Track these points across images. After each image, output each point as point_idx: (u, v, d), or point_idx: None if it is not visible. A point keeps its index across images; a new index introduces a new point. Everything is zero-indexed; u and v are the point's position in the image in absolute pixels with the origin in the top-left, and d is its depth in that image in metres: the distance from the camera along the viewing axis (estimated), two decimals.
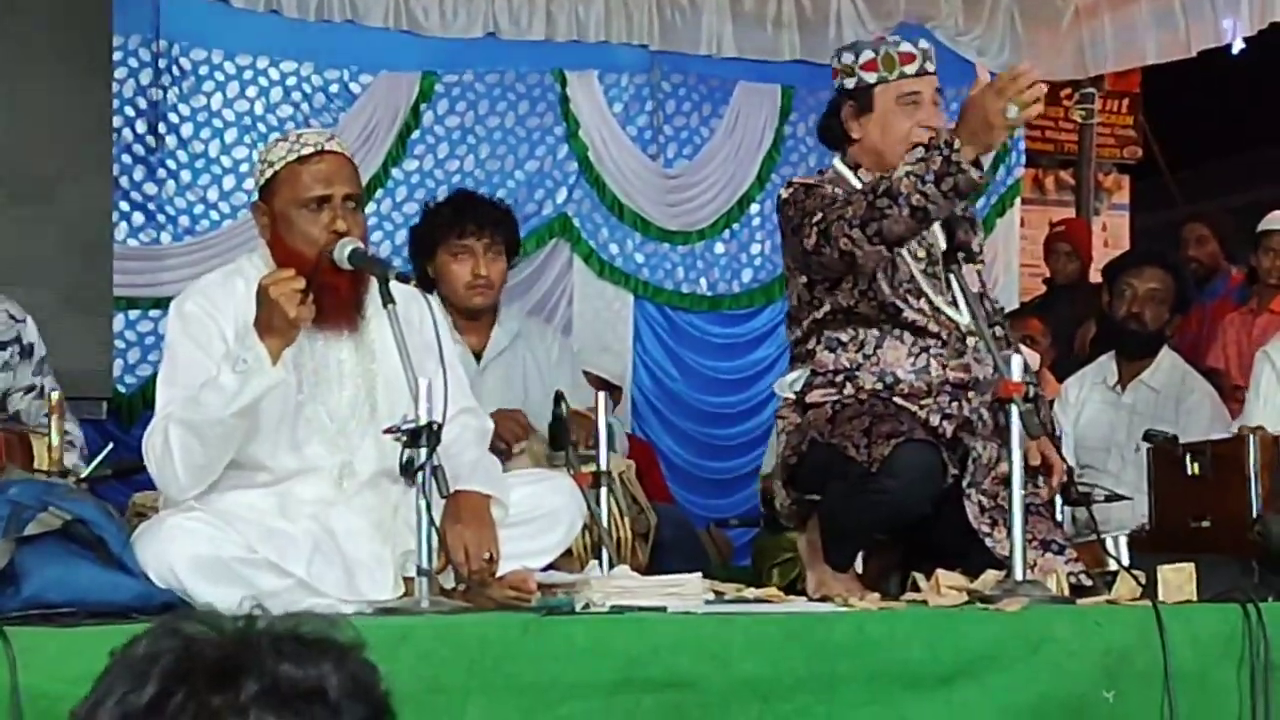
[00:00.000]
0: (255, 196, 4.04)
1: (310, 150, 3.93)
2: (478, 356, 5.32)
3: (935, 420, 4.36)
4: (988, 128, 4.03)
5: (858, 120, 4.50)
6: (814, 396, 4.43)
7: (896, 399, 4.36)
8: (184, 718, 1.33)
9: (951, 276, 4.43)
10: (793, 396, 4.48)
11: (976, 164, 4.06)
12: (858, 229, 4.17)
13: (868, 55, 4.46)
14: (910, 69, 4.45)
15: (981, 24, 7.69)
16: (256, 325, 3.68)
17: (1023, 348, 5.09)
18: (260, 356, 3.66)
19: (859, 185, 4.42)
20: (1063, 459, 4.51)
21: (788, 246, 4.50)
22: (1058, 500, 4.49)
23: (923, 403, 4.37)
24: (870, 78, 4.46)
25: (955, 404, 4.40)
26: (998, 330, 4.60)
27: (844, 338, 4.43)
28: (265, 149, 4.07)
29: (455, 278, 5.23)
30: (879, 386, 4.38)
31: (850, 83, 4.49)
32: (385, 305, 3.79)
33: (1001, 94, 3.98)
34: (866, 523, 4.35)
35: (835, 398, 4.39)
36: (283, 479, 3.88)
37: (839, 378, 4.41)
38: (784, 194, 4.51)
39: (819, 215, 4.28)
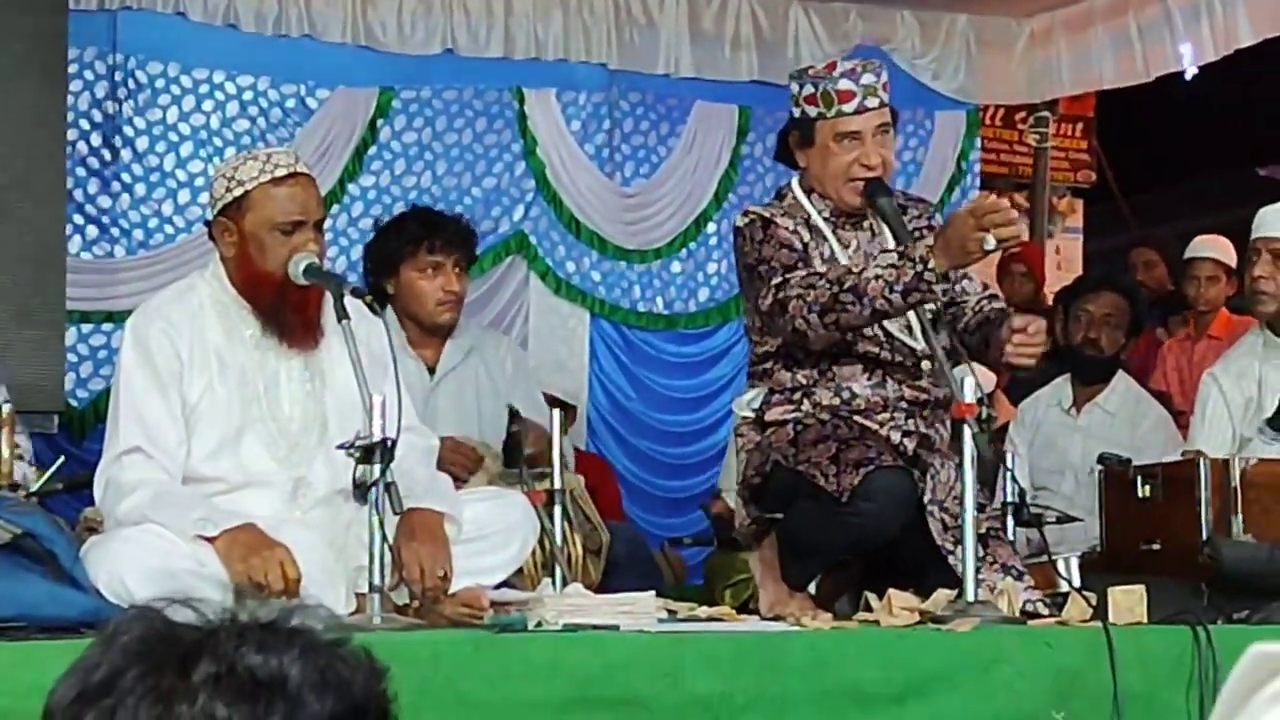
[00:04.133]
0: (214, 211, 4.02)
1: (284, 172, 3.94)
2: (431, 371, 5.31)
3: (896, 438, 4.37)
4: (964, 253, 4.05)
5: (801, 150, 4.50)
6: (773, 414, 4.43)
7: (856, 417, 4.37)
8: (132, 698, 1.30)
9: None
10: (751, 415, 4.48)
11: (945, 277, 4.10)
12: (816, 314, 4.17)
13: (808, 89, 4.42)
14: (848, 107, 4.39)
15: (937, 47, 7.72)
16: (233, 542, 3.69)
17: (976, 368, 5.10)
18: (218, 528, 3.70)
19: (814, 212, 4.42)
20: (1017, 481, 4.53)
21: (743, 278, 4.50)
22: (1009, 521, 4.51)
23: (880, 419, 4.38)
24: (811, 111, 4.44)
25: (912, 420, 4.41)
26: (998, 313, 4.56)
27: (800, 355, 4.44)
28: (230, 165, 4.05)
29: (425, 294, 5.21)
30: (836, 402, 4.38)
31: (796, 112, 4.49)
32: (340, 320, 3.80)
33: (980, 221, 3.99)
34: (835, 546, 4.36)
35: (794, 415, 4.40)
36: (235, 488, 3.89)
37: (796, 394, 4.42)
38: (740, 223, 4.49)
39: (778, 280, 4.27)
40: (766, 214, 4.45)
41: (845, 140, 4.38)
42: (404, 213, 5.65)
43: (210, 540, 3.69)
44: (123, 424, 3.87)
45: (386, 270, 5.27)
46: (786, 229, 4.38)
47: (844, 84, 4.38)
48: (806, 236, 4.42)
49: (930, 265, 4.04)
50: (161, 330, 3.91)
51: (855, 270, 4.18)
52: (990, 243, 3.99)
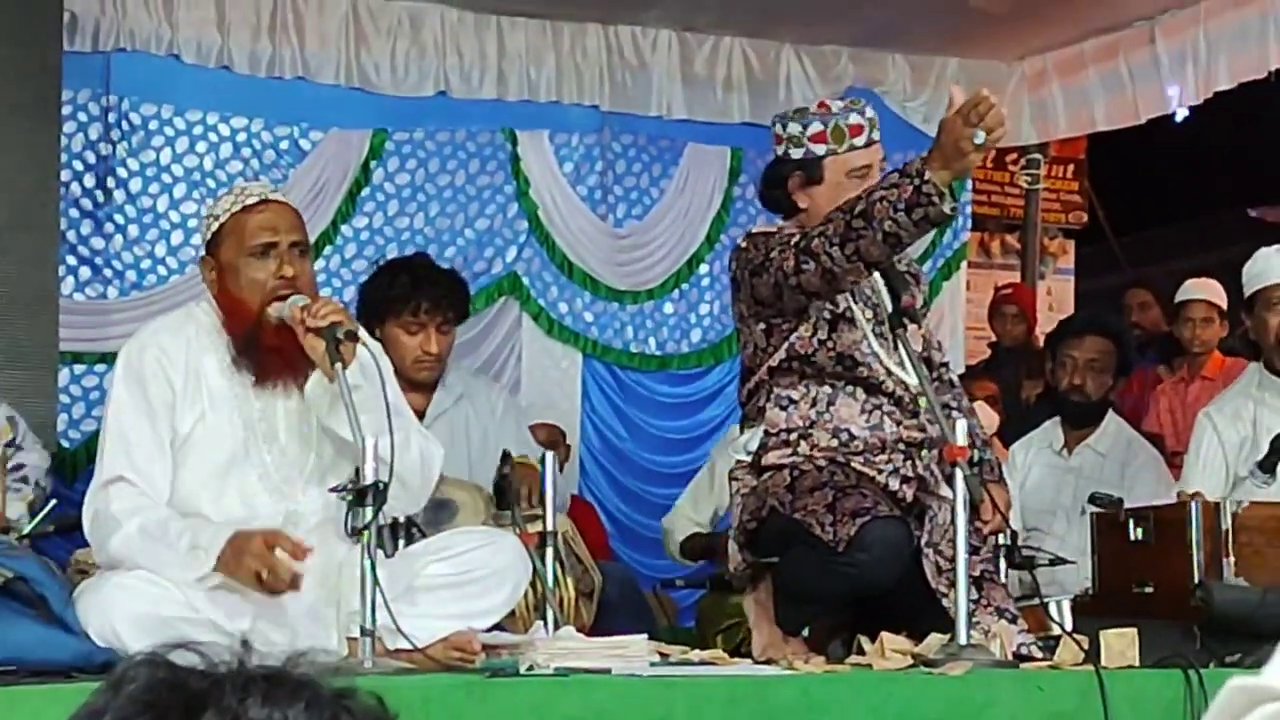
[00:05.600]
0: (201, 253, 4.06)
1: (254, 200, 3.96)
2: (421, 416, 5.30)
3: (895, 485, 4.35)
4: (959, 154, 3.98)
5: (805, 190, 4.48)
6: (770, 459, 4.41)
7: (854, 462, 4.35)
8: None
9: (897, 338, 4.44)
10: (747, 458, 4.47)
11: (951, 192, 4.03)
12: (837, 247, 4.12)
13: (816, 127, 4.44)
14: (859, 141, 4.43)
15: (928, 90, 7.76)
16: (227, 561, 3.67)
17: (983, 407, 5.13)
18: (210, 554, 3.67)
19: None
20: (1007, 522, 4.53)
21: (746, 291, 4.43)
22: (1002, 564, 4.51)
23: (877, 461, 4.36)
24: (819, 149, 4.44)
25: (909, 463, 4.40)
26: (956, 398, 4.62)
27: (795, 395, 4.41)
28: (209, 206, 4.12)
29: (404, 350, 5.21)
30: (834, 444, 4.37)
31: (798, 153, 4.47)
32: (332, 365, 3.79)
33: (968, 120, 3.94)
34: (830, 594, 4.34)
35: (791, 460, 4.37)
36: (227, 521, 3.88)
37: (793, 436, 4.39)
38: (742, 244, 4.48)
39: (795, 239, 4.24)
40: (771, 230, 4.47)
41: (857, 175, 4.40)
42: (400, 262, 5.60)
43: (214, 570, 3.68)
44: (109, 452, 3.86)
45: (374, 318, 5.27)
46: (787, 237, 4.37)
47: (854, 119, 4.42)
48: None
49: (927, 177, 3.98)
50: (155, 359, 3.91)
51: (864, 195, 4.13)
52: (980, 136, 3.94)
